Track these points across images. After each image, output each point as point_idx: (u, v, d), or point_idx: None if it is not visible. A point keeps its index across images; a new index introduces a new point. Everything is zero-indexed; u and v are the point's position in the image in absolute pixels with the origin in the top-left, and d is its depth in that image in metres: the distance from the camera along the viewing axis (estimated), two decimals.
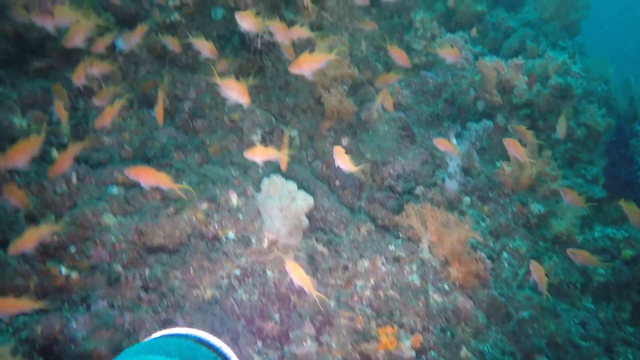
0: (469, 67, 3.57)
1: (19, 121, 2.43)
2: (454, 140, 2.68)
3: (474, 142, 2.68)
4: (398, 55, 2.86)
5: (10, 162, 1.92)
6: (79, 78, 2.33)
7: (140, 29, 2.58)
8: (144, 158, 2.71)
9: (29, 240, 1.81)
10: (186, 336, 0.66)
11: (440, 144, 2.58)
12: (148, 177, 2.03)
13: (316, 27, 3.43)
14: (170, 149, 2.76)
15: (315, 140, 3.21)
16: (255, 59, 3.18)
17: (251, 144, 3.04)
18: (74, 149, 2.15)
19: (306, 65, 2.36)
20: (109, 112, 2.34)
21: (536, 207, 2.79)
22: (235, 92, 2.19)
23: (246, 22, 2.59)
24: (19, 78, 2.61)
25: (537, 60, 3.29)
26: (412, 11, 3.88)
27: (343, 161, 2.23)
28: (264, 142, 3.04)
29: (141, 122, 2.84)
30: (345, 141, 3.22)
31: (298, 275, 1.80)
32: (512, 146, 2.56)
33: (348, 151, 3.23)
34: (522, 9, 4.62)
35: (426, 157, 3.15)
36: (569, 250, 2.35)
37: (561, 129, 2.87)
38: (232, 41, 3.16)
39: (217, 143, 2.95)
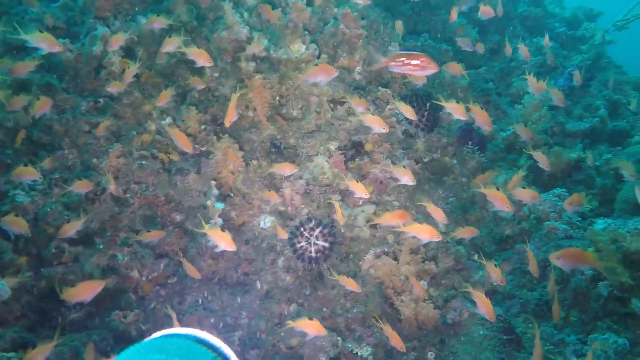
0: (577, 234, 2.86)
1: None
2: None
3: None
4: None
5: None
6: None
7: None
8: None
9: None
10: (186, 336, 0.63)
11: None
12: None
13: None
14: None
15: (394, 356, 2.60)
16: (312, 268, 2.77)
17: None
18: None
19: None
20: None
21: None
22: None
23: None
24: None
25: None
26: (492, 172, 3.35)
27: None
28: None
29: None
30: (432, 354, 2.58)
31: None
32: None
33: None
34: (629, 140, 3.89)
35: None
36: None
37: None
38: (282, 253, 2.80)
39: None
